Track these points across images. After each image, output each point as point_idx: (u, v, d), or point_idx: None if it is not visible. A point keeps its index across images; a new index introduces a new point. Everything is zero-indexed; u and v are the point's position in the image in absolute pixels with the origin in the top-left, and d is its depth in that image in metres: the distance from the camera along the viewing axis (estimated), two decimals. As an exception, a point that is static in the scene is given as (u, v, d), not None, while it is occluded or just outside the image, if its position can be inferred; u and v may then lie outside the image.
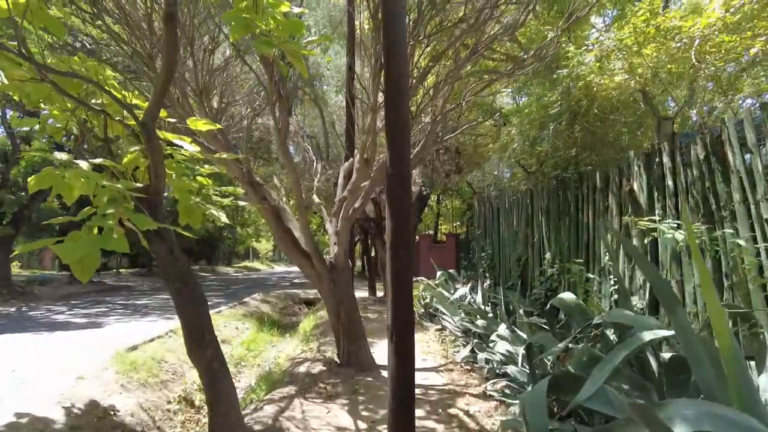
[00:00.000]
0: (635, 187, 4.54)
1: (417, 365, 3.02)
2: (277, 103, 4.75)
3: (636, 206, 4.53)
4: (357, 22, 8.23)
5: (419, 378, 4.36)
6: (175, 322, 8.18)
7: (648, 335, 2.28)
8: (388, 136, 2.91)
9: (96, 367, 5.10)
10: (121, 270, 24.75)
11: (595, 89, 4.96)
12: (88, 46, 5.94)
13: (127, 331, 7.65)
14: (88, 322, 8.75)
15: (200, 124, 3.33)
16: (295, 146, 11.55)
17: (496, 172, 10.84)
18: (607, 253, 4.91)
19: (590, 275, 4.46)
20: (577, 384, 2.56)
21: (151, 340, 6.51)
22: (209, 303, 11.10)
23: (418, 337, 7.01)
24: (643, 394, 2.56)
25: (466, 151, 12.51)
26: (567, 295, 3.55)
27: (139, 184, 2.99)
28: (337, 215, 6.00)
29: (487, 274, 8.65)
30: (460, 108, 5.28)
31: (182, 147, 3.32)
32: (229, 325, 8.71)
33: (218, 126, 3.32)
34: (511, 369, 4.51)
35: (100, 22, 4.39)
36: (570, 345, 3.13)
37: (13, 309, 10.89)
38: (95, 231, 2.71)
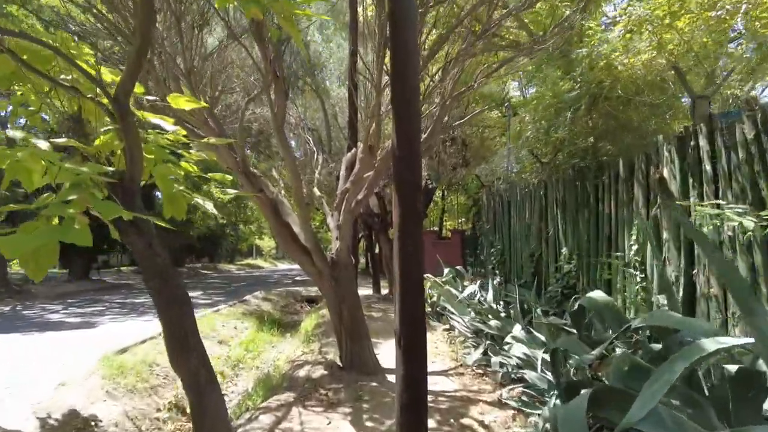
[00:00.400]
0: (665, 174, 4.14)
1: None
2: (272, 84, 4.37)
3: (666, 195, 4.13)
4: (360, 9, 7.88)
5: (428, 382, 4.00)
6: (171, 322, 7.85)
7: (711, 344, 1.88)
8: (394, 112, 2.53)
9: (81, 372, 4.75)
10: (122, 268, 24.48)
11: (618, 69, 4.54)
12: (73, 27, 5.61)
13: (120, 331, 7.31)
14: (82, 321, 8.42)
15: (182, 102, 2.95)
16: (296, 139, 11.17)
17: (505, 163, 10.41)
18: (633, 247, 4.50)
19: (633, 271, 4.05)
20: (619, 399, 2.17)
21: (143, 342, 6.15)
22: (209, 301, 10.77)
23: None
24: (696, 412, 2.16)
25: (473, 144, 12.11)
26: (597, 294, 3.16)
27: (109, 168, 2.61)
28: (339, 208, 5.62)
29: (497, 271, 8.25)
30: (471, 91, 4.87)
31: (161, 127, 2.96)
32: (228, 324, 8.36)
33: (203, 104, 2.94)
34: (529, 375, 4.13)
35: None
36: (603, 351, 2.74)
37: (7, 308, 10.59)
38: (55, 221, 2.35)
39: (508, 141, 9.81)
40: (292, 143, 11.43)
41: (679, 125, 5.04)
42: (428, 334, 6.78)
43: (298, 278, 20.96)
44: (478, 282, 8.06)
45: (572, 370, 3.83)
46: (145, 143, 3.04)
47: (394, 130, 2.48)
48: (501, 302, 6.74)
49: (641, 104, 4.85)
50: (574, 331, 3.92)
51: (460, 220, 21.14)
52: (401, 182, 2.45)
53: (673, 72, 4.62)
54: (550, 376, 4.06)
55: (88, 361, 5.12)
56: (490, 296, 6.67)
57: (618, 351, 2.80)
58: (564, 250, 6.00)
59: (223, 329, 7.99)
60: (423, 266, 2.51)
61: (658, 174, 4.16)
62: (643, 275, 4.44)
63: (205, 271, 27.99)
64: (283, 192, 6.79)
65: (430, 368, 5.41)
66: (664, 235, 4.15)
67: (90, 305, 11.14)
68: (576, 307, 3.35)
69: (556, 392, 3.46)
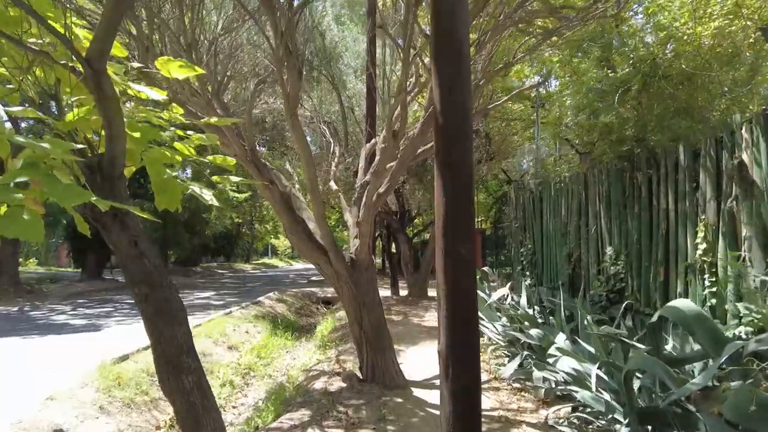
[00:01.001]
0: (746, 159, 3.51)
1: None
2: (285, 61, 3.85)
3: (746, 185, 3.50)
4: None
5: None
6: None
7: None
8: (437, 74, 1.97)
9: (74, 383, 4.28)
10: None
11: (685, 38, 3.91)
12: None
13: (125, 335, 6.88)
14: (87, 324, 8.03)
15: (174, 67, 2.42)
16: (311, 133, 10.68)
17: (528, 158, 9.77)
18: (701, 246, 3.87)
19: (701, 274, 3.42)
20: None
21: (147, 348, 5.67)
22: (221, 302, 10.23)
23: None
24: None
25: (495, 139, 11.49)
26: (684, 304, 2.55)
27: (79, 145, 2.11)
28: (358, 203, 5.08)
29: (527, 272, 7.63)
30: (509, 68, 4.29)
31: (150, 99, 2.45)
32: (239, 328, 7.87)
33: (199, 70, 2.42)
34: (582, 394, 3.53)
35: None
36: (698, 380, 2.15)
37: (15, 308, 10.29)
38: (4, 209, 1.85)
39: (537, 134, 9.18)
40: (308, 138, 10.95)
41: (758, 105, 4.36)
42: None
43: (313, 278, 20.50)
44: (509, 284, 7.46)
45: (640, 389, 3.24)
46: (133, 120, 2.54)
47: (438, 95, 1.93)
48: (536, 307, 6.14)
49: (709, 82, 4.19)
50: (640, 345, 3.31)
51: (479, 219, 20.56)
52: (447, 164, 1.89)
53: (750, 41, 3.96)
54: (606, 396, 3.48)
55: (86, 369, 4.67)
56: (524, 300, 6.07)
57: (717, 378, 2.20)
58: (609, 250, 5.37)
59: (234, 333, 7.50)
60: (474, 276, 1.96)
61: (736, 159, 3.53)
62: (714, 279, 3.81)
63: (221, 271, 27.75)
64: (297, 186, 6.29)
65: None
66: (744, 231, 3.52)
67: (99, 306, 10.80)
68: (655, 318, 2.75)
69: (625, 420, 2.88)
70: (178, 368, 2.40)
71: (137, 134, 2.51)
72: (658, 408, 2.54)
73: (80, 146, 2.11)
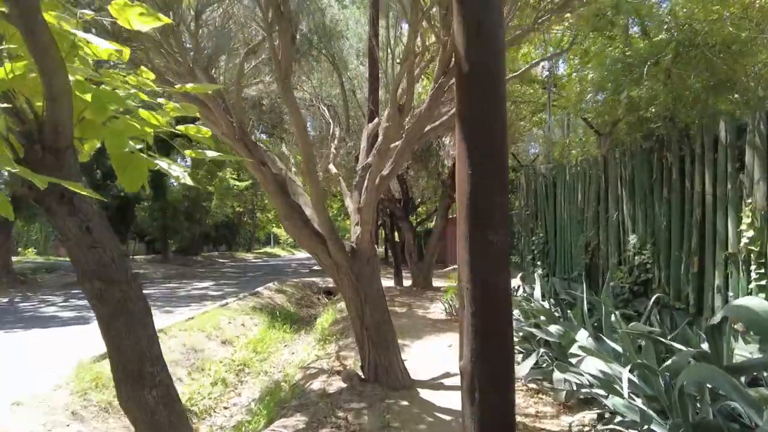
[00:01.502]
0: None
1: None
2: (275, 25, 3.39)
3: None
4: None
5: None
6: (173, 318, 7.02)
7: None
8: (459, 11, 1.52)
9: (47, 385, 3.90)
10: (135, 256, 23.91)
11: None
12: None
13: (114, 328, 6.49)
14: (76, 316, 7.65)
15: (134, 14, 1.97)
16: (311, 117, 10.19)
17: (538, 142, 9.29)
18: (747, 233, 3.43)
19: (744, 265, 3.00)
20: None
21: (133, 344, 5.28)
22: (219, 293, 9.73)
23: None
24: None
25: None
26: (755, 302, 2.10)
27: (4, 104, 1.67)
28: (359, 187, 4.65)
29: (539, 262, 7.20)
30: (530, 34, 3.82)
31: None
32: (235, 321, 7.48)
33: (165, 20, 1.96)
34: (613, 401, 3.12)
35: None
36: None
37: (5, 299, 9.94)
38: None
39: (549, 115, 8.70)
40: (308, 123, 10.47)
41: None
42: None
43: (315, 268, 20.12)
44: (519, 275, 7.06)
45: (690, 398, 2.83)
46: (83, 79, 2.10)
47: (461, 36, 1.48)
48: (551, 299, 5.72)
49: (758, 49, 3.68)
50: (680, 346, 2.89)
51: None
52: (473, 122, 1.45)
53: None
54: (639, 402, 3.06)
55: (64, 367, 4.28)
56: (537, 292, 5.65)
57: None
58: (632, 238, 4.92)
59: (229, 327, 7.11)
60: (509, 273, 1.53)
61: (795, 133, 3.08)
62: (762, 271, 3.37)
63: (222, 260, 27.43)
64: (294, 170, 5.86)
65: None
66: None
67: (92, 297, 10.43)
68: (718, 318, 2.33)
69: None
70: (140, 381, 1.98)
71: (88, 96, 2.05)
72: (718, 425, 2.13)
73: (5, 105, 1.67)
